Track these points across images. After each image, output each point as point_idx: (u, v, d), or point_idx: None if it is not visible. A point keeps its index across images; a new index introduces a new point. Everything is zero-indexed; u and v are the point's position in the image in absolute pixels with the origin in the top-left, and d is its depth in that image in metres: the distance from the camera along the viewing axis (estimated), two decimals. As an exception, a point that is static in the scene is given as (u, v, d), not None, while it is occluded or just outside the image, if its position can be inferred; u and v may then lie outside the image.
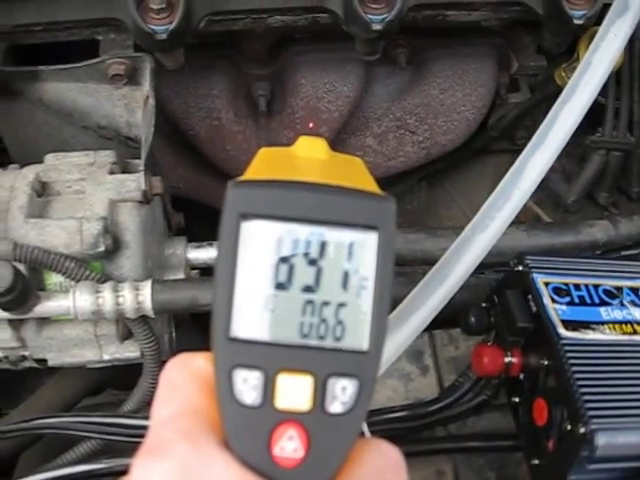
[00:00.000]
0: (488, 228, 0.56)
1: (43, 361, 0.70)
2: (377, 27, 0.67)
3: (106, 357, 0.69)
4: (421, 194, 1.08)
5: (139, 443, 0.65)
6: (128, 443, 0.67)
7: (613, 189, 0.94)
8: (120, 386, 0.87)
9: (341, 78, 0.84)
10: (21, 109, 0.74)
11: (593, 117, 0.89)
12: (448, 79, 0.86)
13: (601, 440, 0.50)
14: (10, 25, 0.67)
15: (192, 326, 0.86)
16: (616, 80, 0.87)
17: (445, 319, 0.62)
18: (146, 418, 0.67)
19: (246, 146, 0.88)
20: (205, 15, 0.68)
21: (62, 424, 0.68)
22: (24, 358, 0.70)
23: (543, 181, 0.96)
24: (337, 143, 0.89)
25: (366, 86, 0.85)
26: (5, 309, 0.60)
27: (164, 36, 0.65)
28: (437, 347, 0.70)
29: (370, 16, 0.66)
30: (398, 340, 0.53)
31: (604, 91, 0.89)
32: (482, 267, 0.65)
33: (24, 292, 0.59)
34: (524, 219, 0.97)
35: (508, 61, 0.89)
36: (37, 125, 0.75)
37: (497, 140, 0.94)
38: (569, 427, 0.52)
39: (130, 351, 0.68)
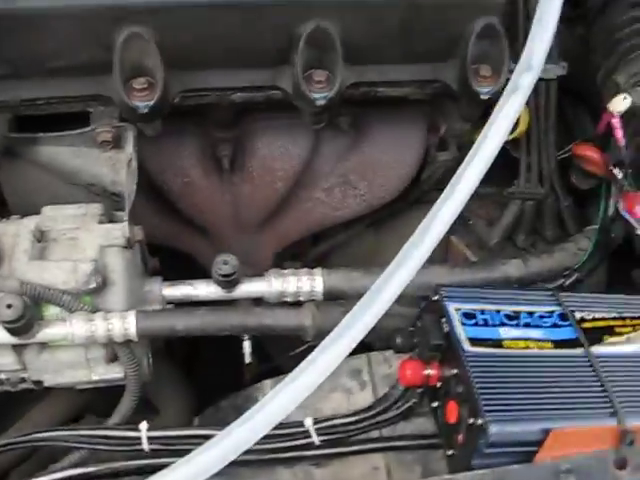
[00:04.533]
0: (405, 265, 0.69)
1: (39, 382, 0.82)
2: (320, 103, 0.82)
3: (95, 378, 0.81)
4: (369, 239, 1.22)
5: (122, 451, 0.78)
6: (113, 452, 0.79)
7: (530, 232, 1.10)
8: (99, 412, 0.98)
9: (292, 141, 0.99)
10: (21, 169, 0.87)
11: (513, 170, 1.06)
12: (384, 141, 1.01)
13: (493, 429, 0.64)
14: (18, 99, 0.81)
15: (165, 355, 0.99)
16: (527, 139, 1.04)
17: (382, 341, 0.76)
18: (128, 430, 0.79)
19: (212, 199, 1.02)
20: (179, 92, 0.83)
21: (56, 437, 0.80)
22: (23, 380, 0.82)
23: (470, 226, 1.13)
24: (290, 196, 1.03)
25: (314, 148, 1.00)
26: (14, 334, 0.72)
27: (145, 110, 0.79)
28: (373, 366, 0.84)
29: (314, 94, 0.82)
30: (331, 356, 0.66)
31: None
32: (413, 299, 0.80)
33: (30, 320, 0.72)
34: (454, 258, 1.12)
35: (437, 125, 1.05)
36: (34, 182, 0.88)
37: (428, 193, 1.09)
38: (471, 421, 0.66)
39: (115, 372, 0.81)
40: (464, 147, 1.09)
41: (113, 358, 0.81)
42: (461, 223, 1.11)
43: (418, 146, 1.03)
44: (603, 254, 0.98)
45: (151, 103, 0.79)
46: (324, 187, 1.03)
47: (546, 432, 0.66)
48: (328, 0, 0.80)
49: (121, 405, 0.82)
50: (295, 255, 1.15)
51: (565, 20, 0.99)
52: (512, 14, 0.91)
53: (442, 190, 0.83)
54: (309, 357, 0.68)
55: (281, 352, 1.11)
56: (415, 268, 0.70)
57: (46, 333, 0.74)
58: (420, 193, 1.10)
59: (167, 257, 0.96)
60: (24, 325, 0.71)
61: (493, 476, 0.65)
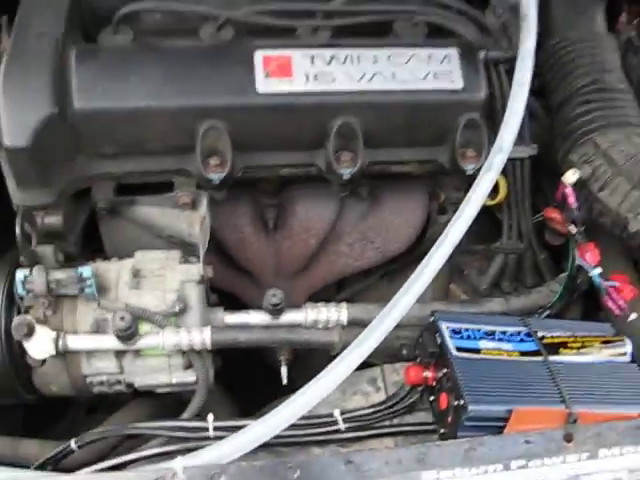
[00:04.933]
0: (403, 300, 0.96)
1: (131, 385, 1.08)
2: (346, 177, 1.10)
3: (174, 381, 1.07)
4: (383, 288, 1.48)
5: (193, 439, 1.03)
6: (186, 439, 1.03)
7: (513, 280, 1.35)
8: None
9: (323, 206, 1.26)
10: (119, 224, 1.15)
11: (498, 230, 1.32)
12: (394, 206, 1.28)
13: (471, 407, 0.89)
14: (122, 172, 1.10)
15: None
16: (508, 204, 1.31)
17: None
18: (198, 421, 1.03)
19: (259, 251, 1.29)
20: (241, 168, 1.11)
21: (145, 427, 1.04)
22: (118, 382, 1.07)
23: (464, 275, 1.38)
24: (320, 250, 1.30)
25: (340, 211, 1.28)
26: (122, 340, 0.98)
27: (218, 182, 1.08)
28: (386, 375, 1.08)
29: (342, 170, 1.10)
30: (350, 361, 0.93)
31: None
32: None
33: (134, 331, 0.99)
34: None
35: (436, 194, 1.32)
36: (128, 234, 1.16)
37: (432, 248, 1.36)
38: (456, 403, 0.91)
39: (190, 377, 1.06)
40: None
41: (188, 366, 1.07)
42: (458, 273, 1.37)
43: (421, 211, 1.31)
44: (571, 296, 1.23)
45: (222, 176, 1.07)
46: (347, 242, 1.30)
47: (510, 411, 0.91)
48: (351, 103, 1.09)
49: (192, 404, 1.06)
50: (323, 300, 1.41)
51: (535, 113, 1.29)
52: (491, 108, 1.20)
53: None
54: (333, 362, 0.94)
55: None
56: (410, 302, 0.97)
57: (144, 342, 1.01)
58: (425, 249, 1.36)
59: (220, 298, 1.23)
60: (130, 334, 0.98)
61: (470, 443, 0.89)
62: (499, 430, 0.92)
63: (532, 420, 0.91)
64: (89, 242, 1.18)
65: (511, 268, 1.33)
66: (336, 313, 1.11)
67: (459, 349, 0.97)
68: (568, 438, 0.90)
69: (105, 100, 1.04)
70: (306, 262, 1.31)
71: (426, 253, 1.36)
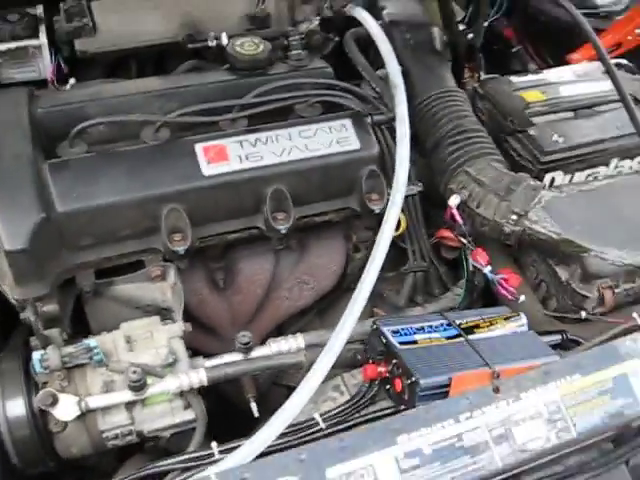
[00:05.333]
0: (347, 323, 1.23)
1: (141, 433, 1.27)
2: (283, 231, 1.37)
3: (177, 421, 1.27)
4: (316, 325, 1.74)
5: (204, 464, 1.25)
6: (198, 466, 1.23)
7: (424, 293, 1.66)
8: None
9: (263, 261, 1.52)
10: (101, 302, 1.36)
11: (404, 256, 1.62)
12: (319, 251, 1.56)
13: (422, 381, 1.16)
14: (100, 258, 1.32)
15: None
16: (408, 233, 1.62)
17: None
18: (203, 451, 1.23)
19: (216, 308, 1.52)
20: (198, 238, 1.36)
21: (161, 466, 1.23)
22: (130, 433, 1.26)
23: (384, 297, 1.66)
24: (266, 298, 1.55)
25: (277, 263, 1.54)
26: (135, 390, 1.19)
27: (182, 252, 1.32)
28: (346, 381, 1.33)
29: (279, 226, 1.37)
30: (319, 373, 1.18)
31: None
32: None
33: (143, 383, 1.19)
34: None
35: (350, 236, 1.61)
36: (110, 310, 1.37)
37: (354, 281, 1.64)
38: (409, 381, 1.18)
39: (190, 416, 1.27)
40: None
41: (187, 406, 1.28)
42: (379, 297, 1.66)
43: (341, 252, 1.59)
44: (472, 295, 1.55)
45: (185, 248, 1.31)
46: (286, 287, 1.56)
47: (450, 379, 1.19)
48: (278, 173, 1.38)
49: (195, 437, 1.26)
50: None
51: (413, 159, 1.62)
52: (383, 160, 1.52)
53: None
54: (306, 377, 1.19)
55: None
56: (354, 321, 1.24)
57: (152, 390, 1.21)
58: (348, 283, 1.65)
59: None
60: (141, 385, 1.18)
61: (426, 408, 1.15)
62: (445, 395, 1.19)
63: (467, 382, 1.20)
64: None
65: (420, 284, 1.64)
66: (294, 342, 1.36)
67: (401, 343, 1.25)
68: (496, 390, 1.19)
69: (81, 202, 1.27)
70: (255, 310, 1.55)
71: (349, 287, 1.67)
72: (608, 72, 1.50)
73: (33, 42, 1.54)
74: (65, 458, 1.26)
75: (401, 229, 1.57)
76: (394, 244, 1.63)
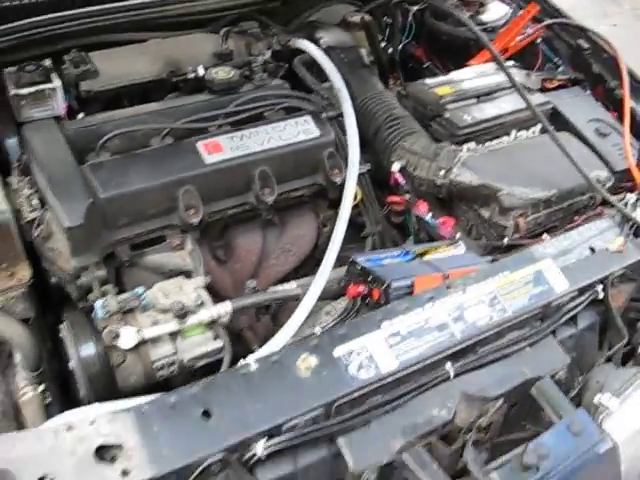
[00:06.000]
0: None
1: (181, 362, 1.61)
2: (270, 203, 1.78)
3: (209, 349, 1.61)
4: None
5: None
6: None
7: (381, 255, 2.08)
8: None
9: (254, 236, 1.92)
10: (135, 271, 1.72)
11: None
12: (297, 225, 1.97)
13: (393, 284, 1.57)
14: (133, 235, 1.69)
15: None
16: (364, 205, 2.04)
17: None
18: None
19: (221, 277, 1.89)
20: (207, 213, 1.74)
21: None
22: (173, 364, 1.60)
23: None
24: (259, 265, 1.94)
25: (264, 237, 1.94)
26: (180, 318, 1.54)
27: (196, 224, 1.70)
28: (334, 306, 1.71)
29: (266, 199, 1.77)
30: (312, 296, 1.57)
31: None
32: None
33: (185, 313, 1.55)
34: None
35: (318, 214, 2.02)
36: (142, 277, 1.72)
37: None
38: (383, 287, 1.58)
39: (218, 344, 1.62)
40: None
41: (216, 337, 1.63)
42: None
43: (313, 225, 2.00)
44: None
45: (198, 220, 1.70)
46: (274, 256, 1.96)
47: (413, 282, 1.59)
48: (262, 158, 1.79)
49: (225, 362, 1.62)
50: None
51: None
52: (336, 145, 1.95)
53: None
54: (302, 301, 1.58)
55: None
56: (333, 259, 1.64)
57: (191, 319, 1.56)
58: (320, 252, 2.04)
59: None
60: (184, 313, 1.54)
61: (399, 302, 1.55)
62: (411, 294, 1.59)
63: (426, 283, 1.61)
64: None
65: (378, 245, 2.06)
66: (289, 286, 1.75)
67: (373, 266, 1.66)
68: (448, 287, 1.60)
69: (117, 189, 1.65)
70: (252, 275, 1.93)
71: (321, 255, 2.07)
72: (500, 66, 1.98)
73: (49, 85, 1.91)
74: (124, 391, 1.59)
75: (358, 199, 1.98)
76: (353, 223, 2.05)
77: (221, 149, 1.77)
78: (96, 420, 1.29)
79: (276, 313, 1.89)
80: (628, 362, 1.79)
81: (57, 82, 1.91)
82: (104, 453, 1.27)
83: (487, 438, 1.53)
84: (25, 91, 1.87)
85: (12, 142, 1.88)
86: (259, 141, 1.81)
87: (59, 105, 1.93)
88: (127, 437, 1.28)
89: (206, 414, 1.33)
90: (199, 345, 1.61)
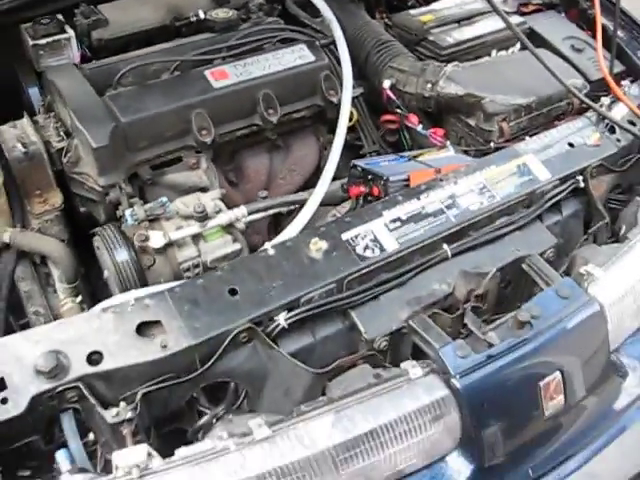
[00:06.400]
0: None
1: (205, 264, 1.77)
2: (275, 122, 1.95)
3: (229, 251, 1.78)
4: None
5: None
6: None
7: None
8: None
9: (262, 158, 2.09)
10: (155, 188, 1.89)
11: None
12: (300, 147, 2.13)
13: (391, 178, 1.74)
14: (153, 156, 1.86)
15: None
16: (360, 126, 2.21)
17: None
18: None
19: (234, 196, 2.03)
20: (218, 134, 1.91)
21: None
22: (197, 266, 1.77)
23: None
24: (268, 184, 2.11)
25: (271, 159, 2.11)
26: (201, 220, 1.71)
27: (209, 142, 1.87)
28: (338, 209, 1.88)
29: (271, 118, 1.94)
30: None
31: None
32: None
33: (206, 215, 1.72)
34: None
35: (319, 137, 2.18)
36: (162, 194, 1.89)
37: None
38: (382, 182, 1.75)
39: (237, 246, 1.79)
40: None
41: (235, 240, 1.80)
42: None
43: (315, 147, 2.17)
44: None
45: (211, 139, 1.87)
46: (281, 176, 2.12)
47: (409, 176, 1.76)
48: (265, 81, 1.96)
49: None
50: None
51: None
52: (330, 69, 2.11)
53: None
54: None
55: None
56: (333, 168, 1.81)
57: (211, 222, 1.73)
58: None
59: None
60: (204, 216, 1.71)
61: (397, 194, 1.72)
62: (408, 186, 1.77)
63: (420, 177, 1.78)
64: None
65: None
66: (300, 196, 1.92)
67: (373, 168, 1.83)
68: (440, 179, 1.77)
69: (136, 114, 1.82)
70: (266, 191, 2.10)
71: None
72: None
73: (64, 35, 2.08)
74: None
75: (354, 119, 2.15)
76: (352, 145, 2.22)
77: (227, 76, 1.94)
78: (135, 302, 1.46)
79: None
80: (612, 245, 1.95)
81: (71, 32, 2.08)
82: (145, 330, 1.43)
83: (485, 309, 1.69)
84: (43, 41, 2.04)
85: (34, 90, 2.05)
86: (261, 67, 1.98)
87: (74, 53, 2.10)
88: (164, 314, 1.44)
89: (232, 292, 1.50)
90: (220, 247, 1.78)
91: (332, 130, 2.14)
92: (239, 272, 1.54)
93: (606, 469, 1.57)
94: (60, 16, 2.13)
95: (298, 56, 2.03)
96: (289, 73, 2.00)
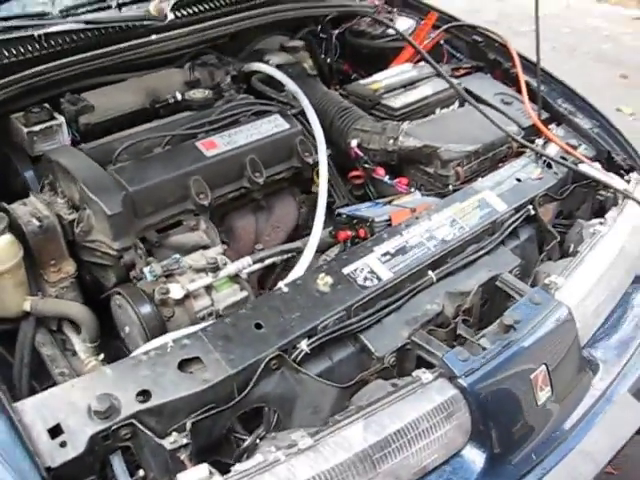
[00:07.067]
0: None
1: (217, 311, 1.95)
2: (261, 183, 2.18)
3: (238, 298, 1.97)
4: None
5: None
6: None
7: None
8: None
9: (248, 219, 2.30)
10: (161, 251, 2.07)
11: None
12: (281, 206, 2.36)
13: (376, 219, 1.99)
14: (158, 221, 2.05)
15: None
16: (331, 186, 2.48)
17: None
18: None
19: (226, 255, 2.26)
20: (213, 198, 2.13)
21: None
22: (211, 314, 1.94)
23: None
24: (257, 239, 2.32)
25: (257, 219, 2.33)
26: (213, 271, 1.90)
27: (207, 205, 2.08)
28: (328, 253, 2.11)
29: (258, 180, 2.17)
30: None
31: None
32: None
33: (217, 268, 1.92)
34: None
35: (296, 197, 2.43)
36: (167, 255, 2.08)
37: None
38: (367, 224, 2.00)
39: (244, 293, 1.98)
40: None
41: (242, 288, 1.99)
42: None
43: (294, 206, 2.40)
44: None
45: (208, 201, 2.08)
46: (267, 233, 2.35)
47: (390, 216, 2.02)
48: (251, 148, 2.20)
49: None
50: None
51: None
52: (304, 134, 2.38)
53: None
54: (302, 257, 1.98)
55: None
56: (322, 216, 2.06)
57: (222, 273, 1.93)
58: (301, 230, 2.45)
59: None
60: (216, 267, 1.90)
61: (383, 233, 1.97)
62: (390, 225, 2.03)
63: (399, 217, 2.04)
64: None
65: (347, 216, 2.48)
66: (295, 245, 2.14)
67: (356, 213, 2.08)
68: (417, 217, 2.04)
69: (142, 183, 2.02)
70: (252, 250, 2.31)
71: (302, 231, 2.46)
72: (425, 59, 2.50)
73: (56, 122, 2.27)
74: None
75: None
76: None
77: (216, 145, 2.17)
78: (174, 343, 1.63)
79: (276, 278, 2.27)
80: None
81: (61, 118, 2.28)
82: (185, 366, 1.60)
83: (472, 322, 1.94)
84: (37, 128, 2.23)
85: (29, 173, 2.23)
86: (244, 136, 2.22)
87: (64, 138, 2.29)
88: (201, 351, 1.62)
89: (258, 326, 1.69)
90: (230, 296, 1.97)
91: (304, 191, 2.41)
92: (261, 309, 1.74)
93: (596, 445, 1.80)
94: (47, 105, 2.32)
95: (274, 125, 2.29)
96: (269, 140, 2.25)
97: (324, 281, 1.81)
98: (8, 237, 1.87)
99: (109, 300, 1.98)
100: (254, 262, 2.00)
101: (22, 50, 2.35)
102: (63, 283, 2.00)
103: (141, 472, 1.55)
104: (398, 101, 2.51)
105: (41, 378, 1.95)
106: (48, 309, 1.93)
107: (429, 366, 1.74)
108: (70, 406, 1.49)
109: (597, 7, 7.02)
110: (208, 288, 1.94)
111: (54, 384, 1.85)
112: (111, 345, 2.00)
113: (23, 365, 1.93)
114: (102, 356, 1.93)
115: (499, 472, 1.71)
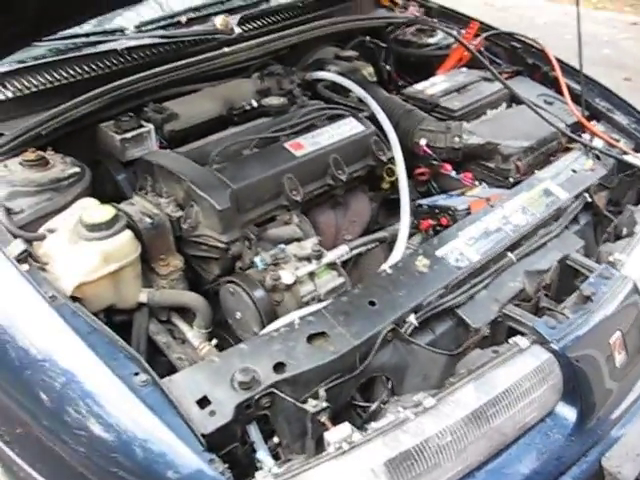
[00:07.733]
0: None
1: (319, 296, 2.13)
2: (344, 179, 2.39)
3: (337, 284, 2.16)
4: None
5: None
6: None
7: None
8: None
9: (330, 214, 2.48)
10: (260, 244, 2.27)
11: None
12: (356, 202, 2.54)
13: (459, 207, 2.20)
14: (256, 216, 2.24)
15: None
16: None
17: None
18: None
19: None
20: (305, 193, 2.33)
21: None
22: (313, 299, 2.13)
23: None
24: (336, 235, 2.51)
25: (336, 214, 2.52)
26: (317, 259, 2.09)
27: (300, 200, 2.28)
28: (412, 240, 2.32)
29: (342, 177, 2.38)
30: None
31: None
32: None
33: (320, 253, 2.11)
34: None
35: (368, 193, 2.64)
36: (265, 248, 2.27)
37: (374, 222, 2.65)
38: (449, 212, 2.22)
39: (341, 279, 2.17)
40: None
41: (339, 275, 2.18)
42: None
43: (367, 202, 2.59)
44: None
45: (301, 197, 2.28)
46: (345, 227, 2.54)
47: (469, 205, 2.24)
48: (333, 149, 2.41)
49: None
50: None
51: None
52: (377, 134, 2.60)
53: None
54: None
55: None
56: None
57: (324, 260, 2.11)
58: (372, 224, 2.64)
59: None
60: (320, 255, 2.09)
61: (465, 220, 2.18)
62: (469, 214, 2.24)
63: (477, 205, 2.25)
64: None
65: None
66: (381, 234, 2.35)
67: (436, 203, 2.29)
68: (492, 205, 2.25)
69: (243, 181, 2.20)
70: (334, 241, 2.49)
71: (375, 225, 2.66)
72: (481, 62, 2.72)
73: (145, 129, 2.45)
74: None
75: (394, 177, 2.61)
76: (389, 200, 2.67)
77: (302, 146, 2.37)
78: (300, 320, 1.82)
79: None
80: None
81: (150, 125, 2.47)
82: (313, 340, 1.79)
83: (551, 296, 2.15)
84: (128, 135, 2.41)
85: (122, 176, 2.40)
86: (325, 138, 2.42)
87: (153, 144, 2.48)
88: (326, 326, 1.81)
89: (371, 303, 1.89)
90: (329, 282, 2.15)
91: (372, 188, 2.61)
92: (371, 288, 1.94)
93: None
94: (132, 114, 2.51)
95: (350, 127, 2.49)
96: (348, 141, 2.45)
97: (422, 262, 2.01)
98: (129, 233, 2.04)
99: (208, 291, 2.16)
100: (351, 248, 2.20)
101: (108, 63, 2.55)
102: (173, 276, 2.17)
103: (275, 439, 1.73)
104: (455, 103, 2.72)
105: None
106: (165, 299, 2.11)
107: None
108: (213, 379, 1.67)
109: (594, 14, 7.35)
110: (311, 275, 2.12)
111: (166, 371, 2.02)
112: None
113: (140, 353, 2.10)
114: (215, 341, 2.10)
115: (589, 426, 1.92)
